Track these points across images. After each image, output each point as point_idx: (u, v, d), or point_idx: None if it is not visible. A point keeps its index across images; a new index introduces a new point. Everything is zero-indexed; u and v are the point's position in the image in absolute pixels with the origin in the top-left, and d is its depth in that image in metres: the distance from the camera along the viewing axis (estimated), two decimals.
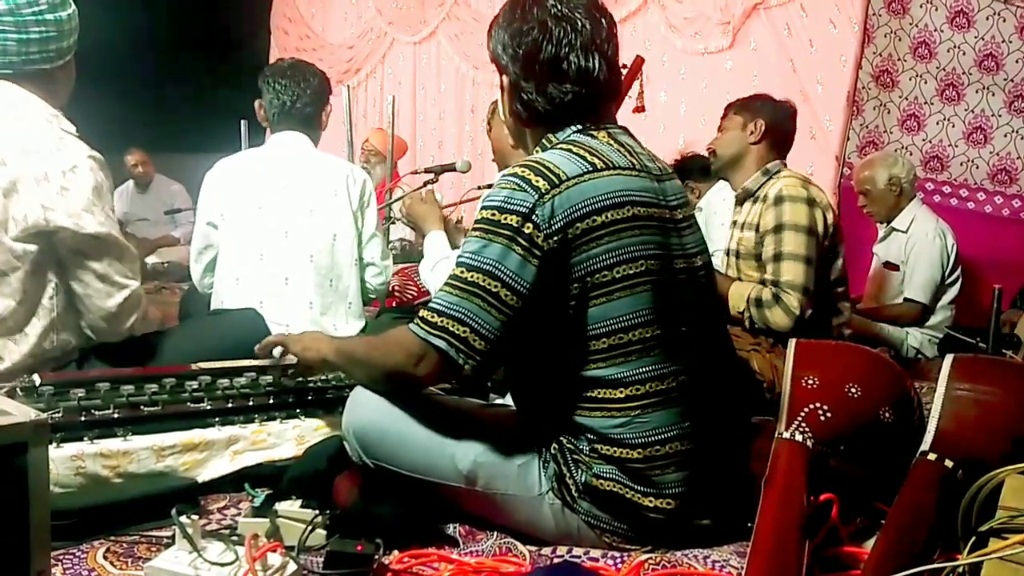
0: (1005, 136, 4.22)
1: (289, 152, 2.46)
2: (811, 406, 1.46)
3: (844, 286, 2.55)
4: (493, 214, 1.36)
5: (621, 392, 1.38)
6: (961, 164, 4.32)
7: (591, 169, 1.38)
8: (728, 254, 2.59)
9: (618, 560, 1.40)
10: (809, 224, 2.33)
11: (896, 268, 3.64)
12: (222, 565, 1.24)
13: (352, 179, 2.48)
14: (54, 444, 1.47)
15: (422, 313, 1.39)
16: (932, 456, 1.34)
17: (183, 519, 1.27)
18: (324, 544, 1.36)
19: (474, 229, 1.38)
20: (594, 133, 1.46)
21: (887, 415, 1.48)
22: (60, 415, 1.54)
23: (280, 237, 2.38)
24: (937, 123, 4.35)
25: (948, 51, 4.26)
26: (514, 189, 1.35)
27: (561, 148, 1.42)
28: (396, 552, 1.38)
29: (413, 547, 1.40)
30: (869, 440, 1.48)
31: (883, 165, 3.65)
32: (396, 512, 1.42)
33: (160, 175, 5.97)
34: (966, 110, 4.28)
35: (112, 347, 1.92)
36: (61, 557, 1.36)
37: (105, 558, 1.38)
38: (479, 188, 3.32)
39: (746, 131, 2.53)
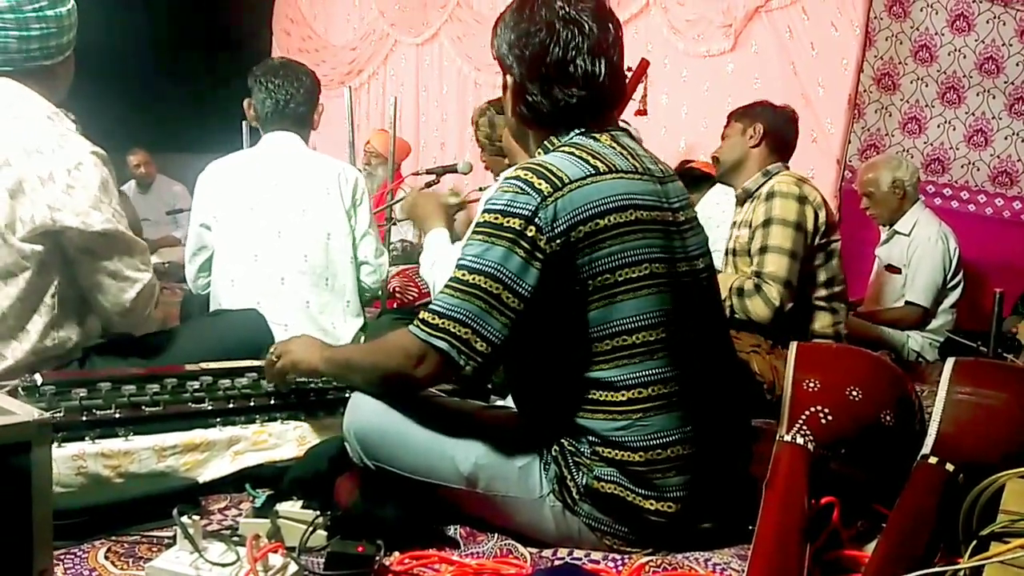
0: (1006, 139, 4.24)
1: (281, 152, 2.45)
2: (812, 409, 1.46)
3: (842, 286, 2.57)
4: (496, 217, 1.35)
5: (623, 395, 1.38)
6: (962, 167, 4.33)
7: (594, 172, 1.38)
8: (727, 253, 2.62)
9: (619, 563, 1.40)
10: (797, 219, 2.37)
11: (898, 271, 3.63)
12: (223, 565, 1.24)
13: (344, 177, 2.47)
14: (55, 444, 1.47)
15: (422, 315, 1.38)
16: (933, 460, 1.34)
17: (184, 519, 1.27)
18: (325, 545, 1.36)
19: (476, 232, 1.37)
20: (596, 136, 1.45)
21: (888, 418, 1.48)
22: (62, 415, 1.54)
23: (273, 237, 2.37)
24: (938, 126, 4.36)
25: (949, 54, 4.27)
26: (517, 192, 1.35)
27: (563, 151, 1.42)
28: (397, 553, 1.38)
29: (414, 548, 1.40)
30: (870, 443, 1.48)
31: (887, 168, 3.65)
32: (397, 513, 1.42)
33: (162, 175, 5.99)
34: (967, 113, 4.29)
35: (113, 347, 1.92)
36: (62, 557, 1.36)
37: (106, 558, 1.38)
38: (480, 189, 3.32)
39: (745, 136, 2.60)
